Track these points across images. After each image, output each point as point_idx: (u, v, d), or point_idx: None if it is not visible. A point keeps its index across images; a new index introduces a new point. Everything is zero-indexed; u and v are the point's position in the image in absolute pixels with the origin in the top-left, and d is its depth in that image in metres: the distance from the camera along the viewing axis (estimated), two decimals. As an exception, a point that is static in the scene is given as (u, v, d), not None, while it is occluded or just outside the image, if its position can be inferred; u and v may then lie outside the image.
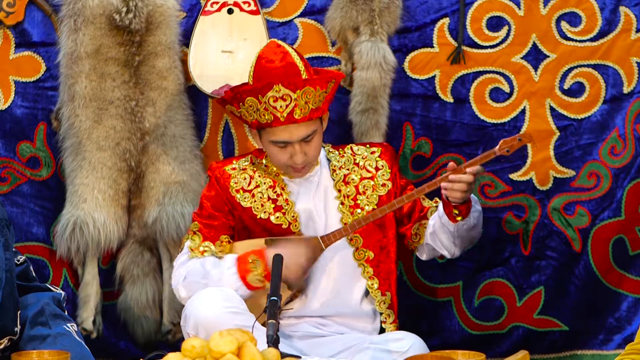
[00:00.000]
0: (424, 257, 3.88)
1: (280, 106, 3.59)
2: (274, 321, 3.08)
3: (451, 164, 3.62)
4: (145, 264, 4.21)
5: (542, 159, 4.17)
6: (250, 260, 3.60)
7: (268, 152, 3.74)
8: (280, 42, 3.73)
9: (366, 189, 3.79)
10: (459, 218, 3.65)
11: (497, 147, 3.66)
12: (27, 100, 4.22)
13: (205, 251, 3.71)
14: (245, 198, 3.76)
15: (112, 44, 4.10)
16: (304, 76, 3.64)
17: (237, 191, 3.77)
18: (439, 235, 3.74)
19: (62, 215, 4.12)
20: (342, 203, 3.77)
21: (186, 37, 4.20)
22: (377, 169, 3.82)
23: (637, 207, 4.14)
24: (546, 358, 4.23)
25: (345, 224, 3.73)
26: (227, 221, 3.75)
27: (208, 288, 3.59)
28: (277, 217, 3.74)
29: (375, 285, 3.75)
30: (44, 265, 4.22)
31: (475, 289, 4.24)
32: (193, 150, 4.19)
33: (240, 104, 3.65)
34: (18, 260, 3.37)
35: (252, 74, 3.69)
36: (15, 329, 3.18)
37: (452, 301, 4.25)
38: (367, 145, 3.88)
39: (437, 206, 3.78)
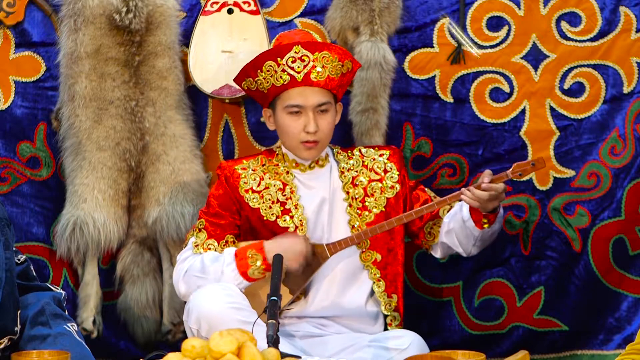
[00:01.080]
0: (438, 255, 3.88)
1: (298, 66, 3.67)
2: (274, 321, 3.08)
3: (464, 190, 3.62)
4: (145, 264, 4.21)
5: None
6: (249, 255, 3.60)
7: (282, 126, 3.74)
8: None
9: (374, 191, 3.79)
10: (486, 225, 3.66)
11: (510, 170, 3.65)
12: (27, 100, 4.22)
13: (209, 249, 3.71)
14: (253, 199, 3.76)
15: (112, 44, 4.10)
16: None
17: (246, 191, 3.77)
18: (459, 236, 3.73)
19: (62, 215, 4.12)
20: (350, 205, 3.76)
21: (186, 37, 4.20)
22: (385, 171, 3.82)
23: (637, 207, 4.14)
24: (546, 358, 4.23)
25: (352, 226, 3.72)
26: (233, 220, 3.75)
27: (211, 284, 3.60)
28: (285, 220, 3.73)
29: (382, 288, 3.74)
30: (44, 265, 4.22)
31: (475, 289, 4.24)
32: (193, 150, 4.18)
33: (258, 70, 3.70)
34: (18, 260, 3.37)
35: (272, 47, 3.82)
36: (16, 328, 3.18)
37: (452, 301, 4.25)
38: (376, 148, 3.89)
39: (450, 205, 3.78)
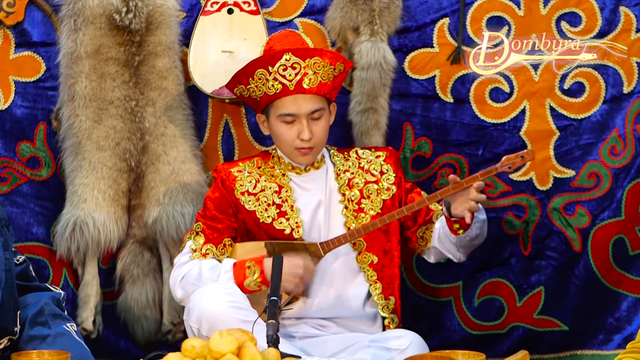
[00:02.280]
0: (431, 260, 3.87)
1: (290, 74, 3.63)
2: (274, 321, 3.08)
3: (452, 176, 3.60)
4: (145, 264, 4.21)
5: (542, 159, 4.17)
6: (248, 266, 3.60)
7: (276, 133, 3.73)
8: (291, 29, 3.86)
9: (370, 193, 3.78)
10: (459, 231, 3.65)
11: (499, 163, 3.65)
12: (27, 100, 4.23)
13: (207, 254, 3.70)
14: (249, 201, 3.75)
15: (112, 44, 4.10)
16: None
17: (242, 194, 3.76)
18: (444, 242, 3.73)
19: (62, 215, 4.12)
20: (346, 207, 3.76)
21: (186, 37, 4.20)
22: (381, 173, 3.81)
23: (637, 207, 4.14)
24: (546, 358, 4.23)
25: (348, 228, 3.72)
26: (230, 223, 3.75)
27: (211, 284, 3.60)
28: (280, 223, 3.73)
29: (379, 290, 3.74)
30: (44, 265, 4.22)
31: (475, 289, 4.24)
32: (193, 150, 4.19)
33: (250, 78, 3.67)
34: (18, 260, 3.37)
35: (262, 52, 3.77)
36: (15, 329, 3.17)
37: (452, 301, 4.25)
38: (372, 149, 3.87)
39: (442, 209, 3.77)
